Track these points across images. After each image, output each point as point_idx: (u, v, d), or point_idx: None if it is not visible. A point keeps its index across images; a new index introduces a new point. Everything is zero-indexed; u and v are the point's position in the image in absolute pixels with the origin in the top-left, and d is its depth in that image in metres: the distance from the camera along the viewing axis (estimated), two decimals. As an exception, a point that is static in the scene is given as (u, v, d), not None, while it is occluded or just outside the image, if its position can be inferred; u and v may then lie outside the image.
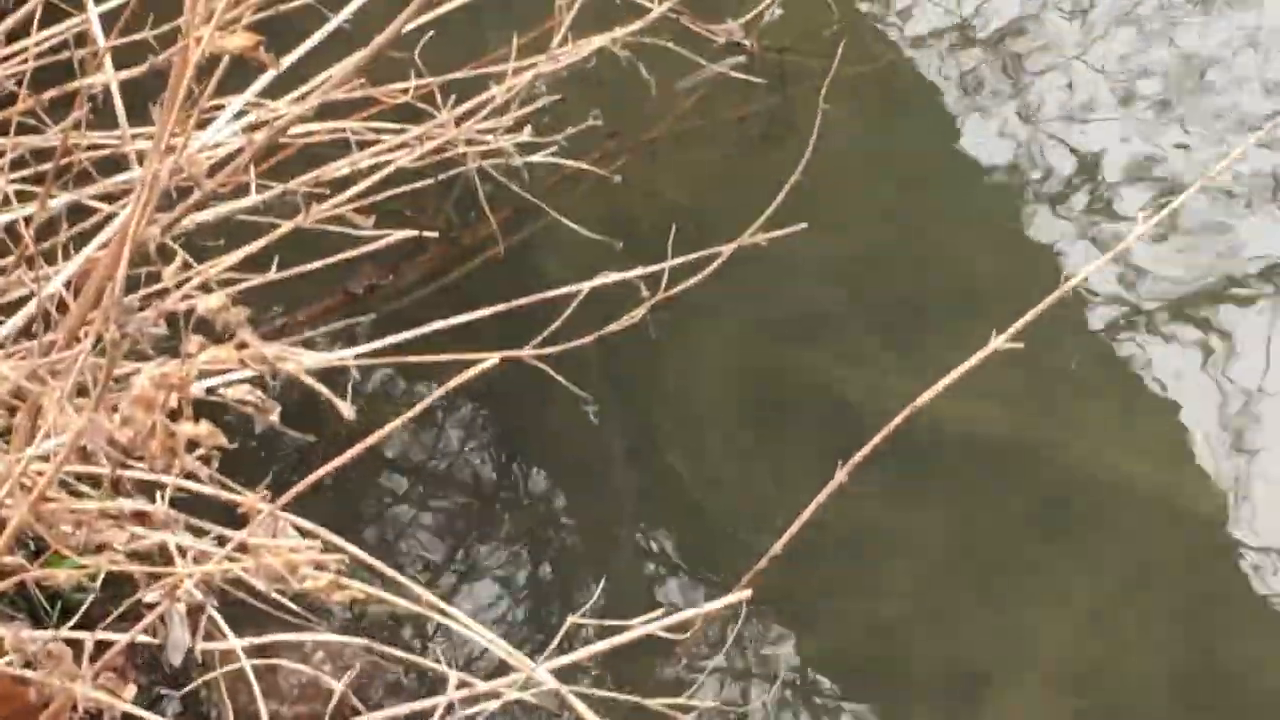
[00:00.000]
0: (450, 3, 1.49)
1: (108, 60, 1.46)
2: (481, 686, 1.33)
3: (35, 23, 1.40)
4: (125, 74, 1.44)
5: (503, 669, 1.30)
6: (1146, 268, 1.90)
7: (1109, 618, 1.63)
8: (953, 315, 1.73)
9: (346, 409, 1.15)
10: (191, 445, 1.19)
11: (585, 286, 1.40)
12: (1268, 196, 1.99)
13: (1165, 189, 1.94)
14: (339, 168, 1.41)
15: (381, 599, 1.34)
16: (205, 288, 1.29)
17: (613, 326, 1.35)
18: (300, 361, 1.15)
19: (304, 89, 1.39)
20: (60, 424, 1.25)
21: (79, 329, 1.39)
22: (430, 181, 1.54)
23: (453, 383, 1.31)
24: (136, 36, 1.45)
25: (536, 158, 1.48)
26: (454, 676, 1.32)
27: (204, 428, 1.15)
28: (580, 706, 1.30)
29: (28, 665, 1.25)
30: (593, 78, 1.66)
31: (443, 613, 1.34)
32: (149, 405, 1.18)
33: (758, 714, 1.54)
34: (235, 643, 1.37)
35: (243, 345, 1.16)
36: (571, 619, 1.17)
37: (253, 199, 1.51)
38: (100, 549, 1.22)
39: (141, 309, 1.17)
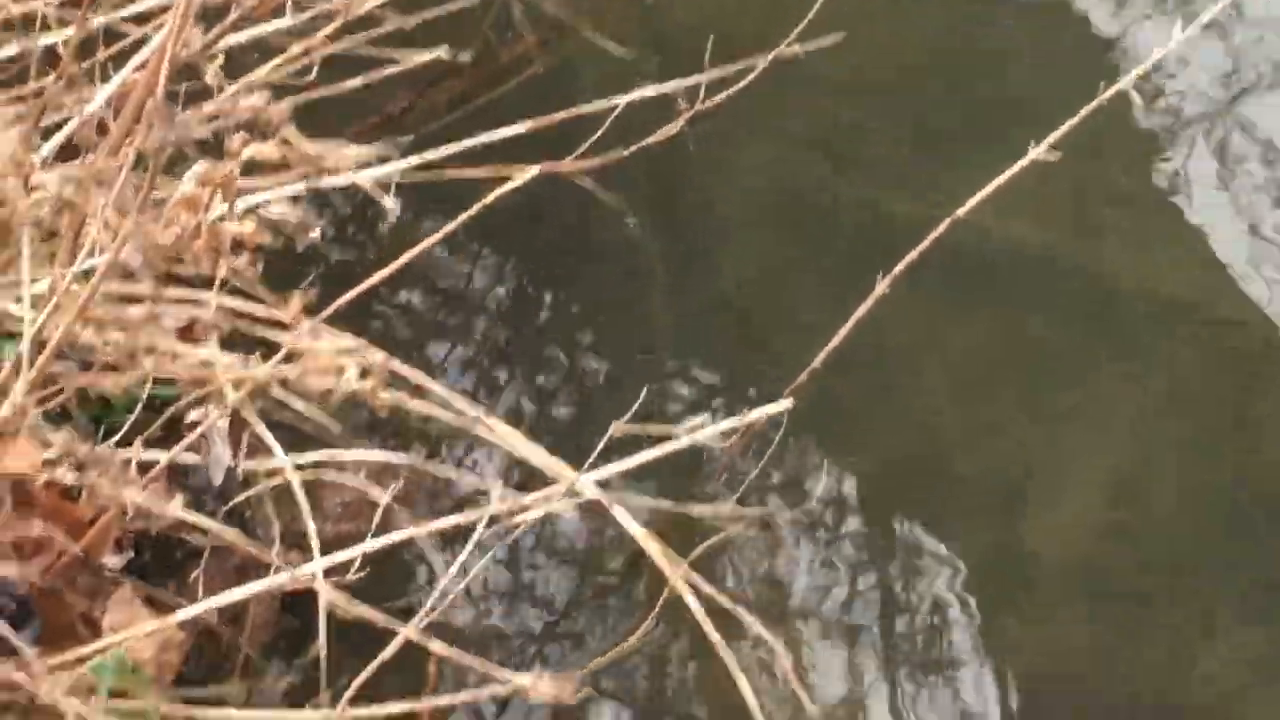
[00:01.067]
0: None
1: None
2: (526, 498, 1.31)
3: None
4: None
5: (543, 484, 1.27)
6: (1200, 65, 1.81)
7: (1151, 432, 1.59)
8: (997, 129, 1.66)
9: (390, 202, 1.11)
10: (236, 246, 1.15)
11: (623, 100, 1.35)
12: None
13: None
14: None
15: (425, 410, 1.31)
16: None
17: (651, 139, 1.29)
18: (346, 157, 1.10)
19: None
20: (104, 235, 1.22)
21: (121, 145, 1.34)
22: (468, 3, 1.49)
23: (493, 195, 1.26)
24: None
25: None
26: (497, 489, 1.31)
27: (248, 225, 1.11)
28: (623, 514, 1.27)
29: (77, 474, 1.24)
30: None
31: (484, 425, 1.31)
32: (193, 205, 1.14)
33: (800, 523, 1.52)
34: (280, 459, 1.35)
35: (286, 142, 1.11)
36: (616, 425, 1.13)
37: (288, 20, 1.47)
38: (148, 353, 1.19)
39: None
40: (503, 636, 1.44)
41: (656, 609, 1.18)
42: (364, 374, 1.12)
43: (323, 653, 1.13)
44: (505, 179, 1.18)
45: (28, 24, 1.29)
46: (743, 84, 1.29)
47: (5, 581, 1.33)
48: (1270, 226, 1.72)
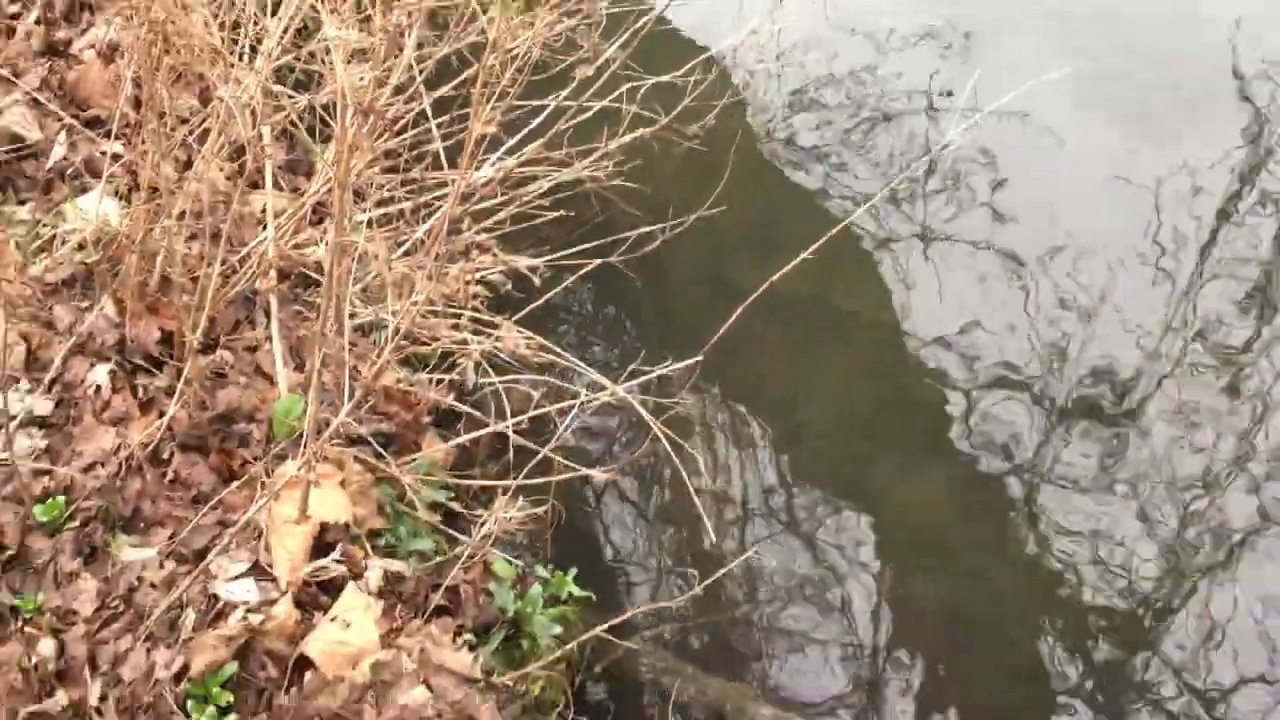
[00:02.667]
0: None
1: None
2: (598, 393, 2.82)
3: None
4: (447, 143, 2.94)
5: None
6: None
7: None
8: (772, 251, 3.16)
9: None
10: (474, 296, 2.72)
11: (634, 232, 2.88)
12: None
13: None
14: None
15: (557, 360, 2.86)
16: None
17: (644, 250, 2.83)
18: (526, 260, 2.67)
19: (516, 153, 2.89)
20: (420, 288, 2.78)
21: (432, 249, 2.92)
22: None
23: (581, 271, 2.81)
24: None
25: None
26: (583, 390, 2.82)
27: (480, 288, 2.68)
28: (637, 405, 2.79)
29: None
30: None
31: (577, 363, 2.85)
32: (459, 279, 2.71)
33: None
34: (494, 379, 2.90)
35: (493, 255, 2.69)
36: (630, 368, 2.66)
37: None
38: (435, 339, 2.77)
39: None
40: (583, 451, 3.00)
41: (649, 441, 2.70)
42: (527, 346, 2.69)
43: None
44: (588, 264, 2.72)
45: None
46: (683, 226, 2.82)
47: (383, 427, 2.89)
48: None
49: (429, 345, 2.89)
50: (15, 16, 2.94)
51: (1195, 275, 3.50)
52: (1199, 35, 4.02)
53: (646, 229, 2.87)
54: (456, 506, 2.74)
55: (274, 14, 2.75)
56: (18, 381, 2.51)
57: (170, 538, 2.44)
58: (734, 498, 3.10)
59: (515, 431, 2.70)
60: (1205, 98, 3.90)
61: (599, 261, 2.84)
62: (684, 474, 2.68)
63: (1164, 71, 3.87)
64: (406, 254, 2.91)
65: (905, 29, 3.85)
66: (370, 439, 2.46)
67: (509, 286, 2.86)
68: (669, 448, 2.60)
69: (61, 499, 2.41)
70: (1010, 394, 3.27)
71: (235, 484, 2.52)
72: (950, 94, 3.58)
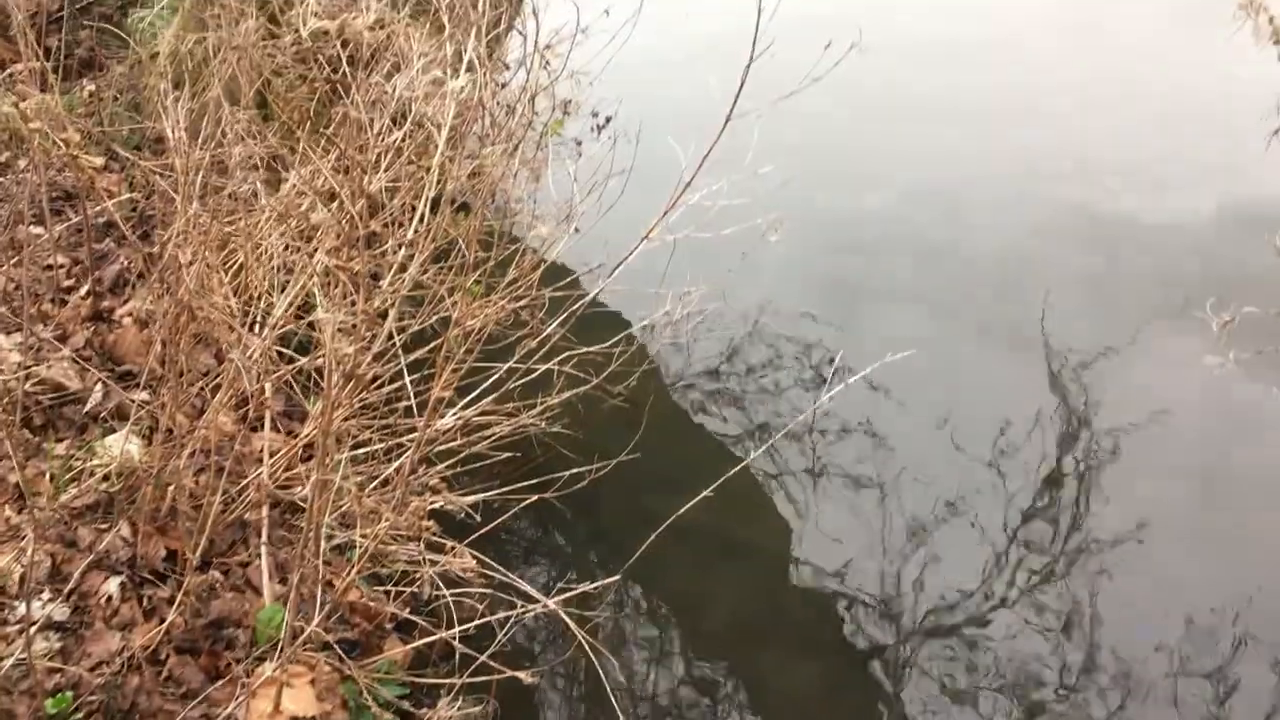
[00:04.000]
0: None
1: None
2: (532, 605, 3.03)
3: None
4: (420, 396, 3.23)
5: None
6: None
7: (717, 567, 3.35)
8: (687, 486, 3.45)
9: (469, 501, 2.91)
10: (426, 528, 2.94)
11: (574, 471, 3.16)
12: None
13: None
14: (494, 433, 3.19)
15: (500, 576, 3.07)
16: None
17: (577, 486, 3.10)
18: (468, 500, 2.92)
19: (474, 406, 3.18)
20: (386, 519, 3.00)
21: (397, 487, 3.16)
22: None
23: (524, 503, 3.06)
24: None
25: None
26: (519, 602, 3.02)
27: (432, 522, 2.92)
28: (564, 615, 3.00)
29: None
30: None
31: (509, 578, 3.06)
32: (416, 513, 2.94)
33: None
34: (445, 592, 3.10)
35: (444, 495, 2.94)
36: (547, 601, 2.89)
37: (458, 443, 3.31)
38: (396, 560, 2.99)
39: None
40: (527, 652, 3.17)
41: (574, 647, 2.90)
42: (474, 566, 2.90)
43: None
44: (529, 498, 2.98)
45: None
46: (607, 468, 3.10)
47: (349, 635, 3.06)
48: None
49: (389, 566, 3.10)
50: (69, 290, 3.25)
51: (1032, 506, 3.82)
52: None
53: (579, 470, 3.14)
54: (407, 705, 2.89)
55: (282, 291, 3.08)
56: (41, 592, 2.69)
57: (161, 729, 2.57)
58: (647, 693, 3.27)
59: (463, 637, 2.89)
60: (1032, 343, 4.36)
61: (537, 497, 3.09)
62: (601, 674, 2.87)
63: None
64: (380, 488, 3.16)
65: (791, 310, 4.32)
66: (335, 645, 2.63)
67: (462, 515, 3.10)
68: (589, 652, 2.81)
69: (70, 694, 2.55)
70: (869, 607, 3.51)
71: (219, 682, 2.67)
72: (833, 360, 3.99)
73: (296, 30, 2.05)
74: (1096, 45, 6.57)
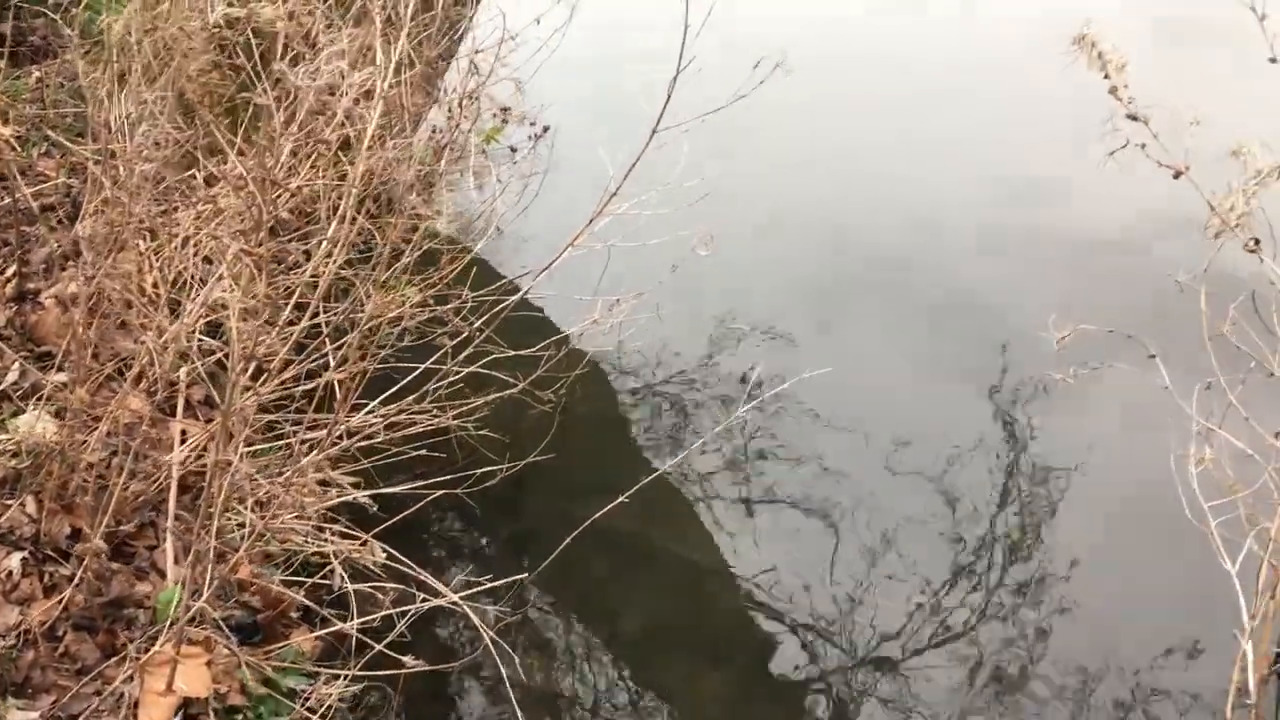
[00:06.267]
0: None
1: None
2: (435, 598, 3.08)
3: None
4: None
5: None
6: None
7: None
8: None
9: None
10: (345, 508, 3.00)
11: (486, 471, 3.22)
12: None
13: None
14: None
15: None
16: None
17: (494, 481, 3.16)
18: (366, 494, 2.97)
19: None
20: (281, 502, 3.04)
21: (294, 473, 3.20)
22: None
23: (429, 498, 3.12)
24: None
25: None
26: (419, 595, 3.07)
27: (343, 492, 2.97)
28: (469, 611, 3.04)
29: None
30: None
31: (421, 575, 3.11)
32: (316, 498, 2.99)
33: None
34: (351, 585, 3.15)
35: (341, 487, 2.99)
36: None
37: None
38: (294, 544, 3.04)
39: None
40: (446, 650, 3.22)
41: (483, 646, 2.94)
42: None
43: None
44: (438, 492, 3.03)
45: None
46: (516, 469, 3.16)
47: (238, 614, 3.05)
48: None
49: (287, 548, 3.15)
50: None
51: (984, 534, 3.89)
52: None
53: (493, 468, 3.20)
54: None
55: (203, 280, 3.14)
56: (-59, 563, 2.73)
57: (53, 704, 2.61)
58: (552, 693, 3.33)
59: (369, 630, 2.95)
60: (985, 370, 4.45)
61: (444, 492, 3.16)
62: (503, 673, 2.93)
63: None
64: (295, 475, 3.21)
65: (715, 328, 4.45)
66: (222, 623, 2.67)
67: (375, 509, 3.16)
68: (494, 652, 2.88)
69: (-37, 665, 2.59)
70: (786, 620, 3.58)
71: (113, 659, 2.71)
72: (752, 369, 4.09)
73: (203, 15, 2.12)
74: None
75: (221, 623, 2.70)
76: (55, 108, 3.73)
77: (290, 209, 2.50)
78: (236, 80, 2.42)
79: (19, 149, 3.14)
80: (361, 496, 2.90)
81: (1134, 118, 2.35)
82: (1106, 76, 2.36)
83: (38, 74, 4.00)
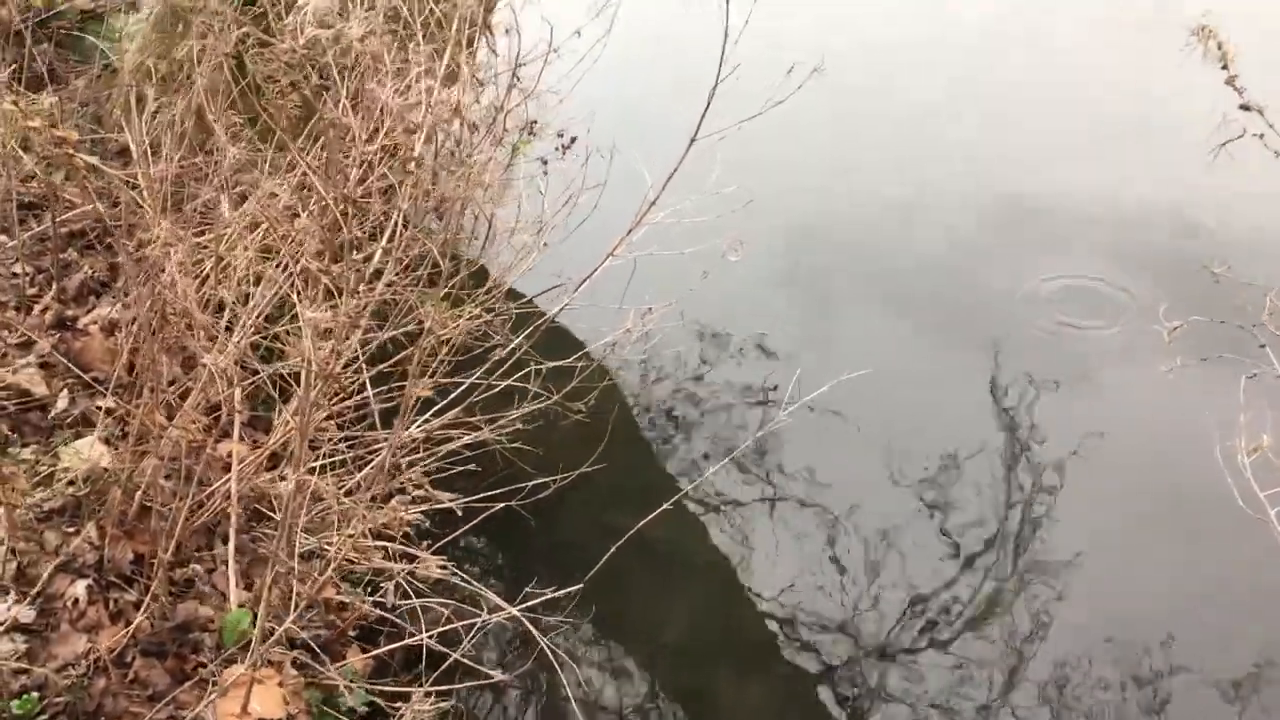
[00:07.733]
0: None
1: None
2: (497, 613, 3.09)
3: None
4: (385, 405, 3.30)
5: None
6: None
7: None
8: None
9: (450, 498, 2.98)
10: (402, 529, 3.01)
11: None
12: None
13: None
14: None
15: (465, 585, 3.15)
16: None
17: (538, 497, 3.19)
18: (448, 496, 2.99)
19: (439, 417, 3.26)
20: (360, 519, 3.06)
21: (370, 488, 3.22)
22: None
23: (493, 509, 3.14)
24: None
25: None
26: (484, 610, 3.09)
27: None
28: (528, 623, 3.07)
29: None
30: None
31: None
32: (394, 511, 3.01)
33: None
34: (412, 600, 3.17)
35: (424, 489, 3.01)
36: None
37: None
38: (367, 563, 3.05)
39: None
40: (490, 661, 3.24)
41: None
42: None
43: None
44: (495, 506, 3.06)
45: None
46: (568, 480, 3.19)
47: (322, 633, 3.10)
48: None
49: (361, 566, 3.16)
50: (35, 297, 3.29)
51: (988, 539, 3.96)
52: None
53: (540, 481, 3.23)
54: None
55: (248, 302, 3.15)
56: (7, 592, 2.71)
57: (127, 731, 2.61)
58: (606, 703, 3.36)
59: (416, 645, 2.97)
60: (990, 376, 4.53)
61: (503, 505, 3.18)
62: (564, 681, 2.97)
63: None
64: (347, 494, 3.22)
65: (745, 334, 4.51)
66: (310, 642, 2.69)
67: (427, 525, 3.18)
68: (552, 660, 2.91)
69: (35, 695, 2.58)
70: (822, 627, 3.64)
71: (186, 684, 2.71)
72: (775, 388, 4.17)
73: (293, 37, 2.15)
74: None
75: (310, 641, 2.71)
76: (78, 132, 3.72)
77: (361, 229, 2.53)
78: (308, 100, 2.44)
79: (72, 159, 3.12)
80: (439, 497, 2.92)
81: (1247, 108, 2.42)
82: (1224, 67, 2.43)
83: (53, 99, 3.97)
